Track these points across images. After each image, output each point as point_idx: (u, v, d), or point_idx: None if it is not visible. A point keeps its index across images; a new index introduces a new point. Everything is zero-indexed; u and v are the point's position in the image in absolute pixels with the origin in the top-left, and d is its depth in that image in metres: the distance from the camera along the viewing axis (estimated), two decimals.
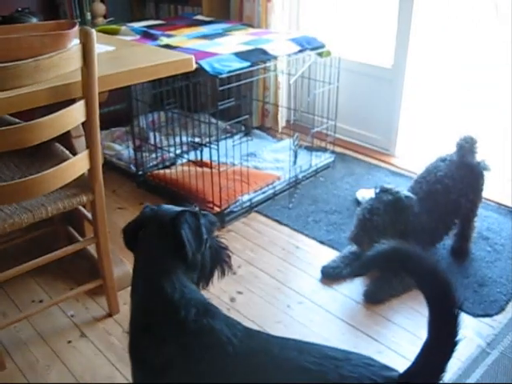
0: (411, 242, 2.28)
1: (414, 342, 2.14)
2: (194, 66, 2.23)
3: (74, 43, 1.77)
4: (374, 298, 2.35)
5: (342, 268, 2.49)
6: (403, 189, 2.47)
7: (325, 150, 3.55)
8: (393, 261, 1.18)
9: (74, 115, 1.76)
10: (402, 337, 2.17)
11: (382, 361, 2.01)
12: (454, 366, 2.02)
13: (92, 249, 2.33)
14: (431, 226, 2.43)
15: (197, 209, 1.46)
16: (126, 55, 2.20)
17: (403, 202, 2.32)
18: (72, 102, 1.80)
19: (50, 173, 1.78)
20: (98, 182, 1.97)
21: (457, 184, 2.46)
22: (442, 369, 1.11)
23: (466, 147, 2.49)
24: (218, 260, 1.53)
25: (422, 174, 2.54)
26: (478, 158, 2.53)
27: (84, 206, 2.27)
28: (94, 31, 1.69)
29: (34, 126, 1.64)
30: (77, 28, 1.97)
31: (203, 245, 1.41)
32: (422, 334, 2.05)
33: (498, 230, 2.82)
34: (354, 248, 2.55)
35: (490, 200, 3.09)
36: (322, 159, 3.47)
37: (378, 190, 2.39)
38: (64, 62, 1.64)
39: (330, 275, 2.49)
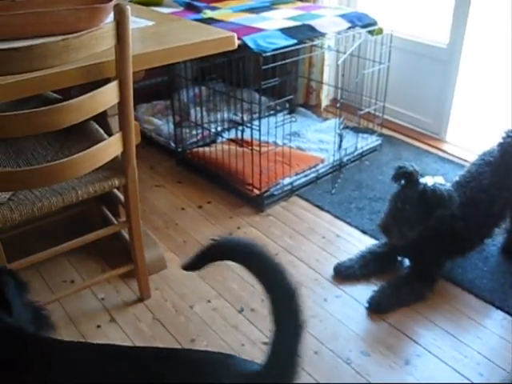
0: (439, 245, 2.20)
1: (455, 346, 2.03)
2: (237, 43, 2.11)
3: (111, 18, 1.68)
4: (378, 308, 2.20)
5: (356, 268, 2.35)
6: (449, 184, 2.32)
7: (372, 132, 3.40)
8: (224, 254, 1.10)
9: (106, 96, 1.67)
10: (442, 340, 2.06)
11: (417, 364, 1.94)
12: (499, 376, 1.91)
13: (125, 231, 2.26)
14: (464, 235, 2.26)
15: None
16: (165, 31, 2.09)
17: (443, 197, 2.12)
18: (108, 81, 1.71)
19: (81, 156, 1.71)
20: (131, 166, 1.89)
21: (503, 193, 2.28)
22: (291, 357, 1.03)
23: (510, 146, 2.30)
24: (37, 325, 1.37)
25: (466, 177, 2.34)
26: None
27: (118, 189, 2.19)
28: (129, 8, 1.59)
29: (62, 109, 1.56)
30: (114, 1, 1.88)
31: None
32: (464, 338, 1.97)
33: None
34: (374, 246, 2.44)
35: None
36: (368, 142, 3.33)
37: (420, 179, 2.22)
38: (95, 41, 1.55)
39: (342, 274, 2.36)
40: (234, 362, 1.12)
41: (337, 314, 2.17)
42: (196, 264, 1.13)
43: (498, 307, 2.20)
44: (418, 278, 2.26)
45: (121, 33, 1.59)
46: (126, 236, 2.21)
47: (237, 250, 1.08)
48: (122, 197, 2.13)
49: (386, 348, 2.02)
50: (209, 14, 3.06)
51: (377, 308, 2.19)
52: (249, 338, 2.05)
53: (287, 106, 3.69)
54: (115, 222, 2.33)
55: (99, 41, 1.55)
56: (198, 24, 2.26)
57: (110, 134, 1.97)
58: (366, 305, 2.21)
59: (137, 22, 2.15)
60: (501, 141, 2.32)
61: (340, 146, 3.02)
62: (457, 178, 2.37)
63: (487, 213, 2.28)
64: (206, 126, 3.28)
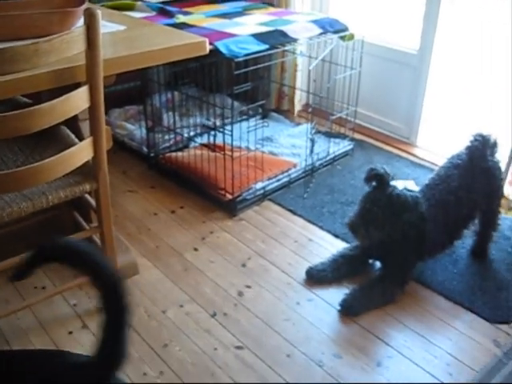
0: (409, 247, 2.23)
1: (425, 347, 2.06)
2: (208, 48, 2.11)
3: (82, 22, 1.67)
4: (350, 311, 2.21)
5: (328, 272, 2.37)
6: (417, 188, 2.36)
7: (344, 136, 3.43)
8: (54, 256, 1.14)
9: (77, 101, 1.66)
10: (413, 342, 2.08)
11: (388, 366, 1.96)
12: (468, 376, 1.94)
13: (97, 236, 2.24)
14: (434, 237, 2.29)
15: None
16: (137, 36, 2.09)
17: (409, 201, 2.16)
18: (78, 85, 1.70)
19: (52, 160, 1.69)
20: (102, 170, 1.88)
21: (471, 196, 2.33)
22: (117, 346, 1.05)
23: (477, 150, 2.35)
24: None
25: (435, 180, 2.38)
26: (493, 157, 2.39)
27: (89, 194, 2.18)
28: (99, 12, 1.58)
29: (33, 113, 1.54)
30: (85, 5, 1.87)
31: None
32: (434, 339, 1.99)
33: None
34: (346, 250, 2.46)
35: None
36: (340, 146, 3.36)
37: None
38: (66, 45, 1.54)
39: (314, 278, 2.37)
40: (64, 355, 1.18)
41: (309, 317, 2.18)
42: (26, 272, 1.15)
43: (467, 308, 2.24)
44: (388, 280, 2.28)
45: (91, 37, 1.59)
46: (98, 241, 2.19)
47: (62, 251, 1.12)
48: (93, 202, 2.11)
49: (358, 350, 2.04)
50: (181, 19, 3.06)
51: (348, 310, 2.21)
52: (221, 342, 2.06)
53: (260, 110, 3.70)
54: (87, 228, 2.31)
55: (70, 45, 1.55)
56: (170, 29, 2.26)
57: (81, 139, 1.96)
58: (338, 307, 2.22)
59: (108, 26, 2.14)
60: (469, 144, 2.36)
61: (312, 151, 3.04)
62: (426, 181, 2.41)
63: (456, 215, 2.32)
64: (178, 130, 3.28)
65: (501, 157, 2.42)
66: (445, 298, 2.29)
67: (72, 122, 2.05)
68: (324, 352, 2.03)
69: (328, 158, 3.26)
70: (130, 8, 3.12)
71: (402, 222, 2.17)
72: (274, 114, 3.82)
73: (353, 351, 2.03)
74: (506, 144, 2.59)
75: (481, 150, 2.33)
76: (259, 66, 2.82)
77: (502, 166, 2.43)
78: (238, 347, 2.03)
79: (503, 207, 2.66)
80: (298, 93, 3.79)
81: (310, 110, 2.95)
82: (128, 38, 2.06)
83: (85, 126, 2.08)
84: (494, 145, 2.37)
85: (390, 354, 2.03)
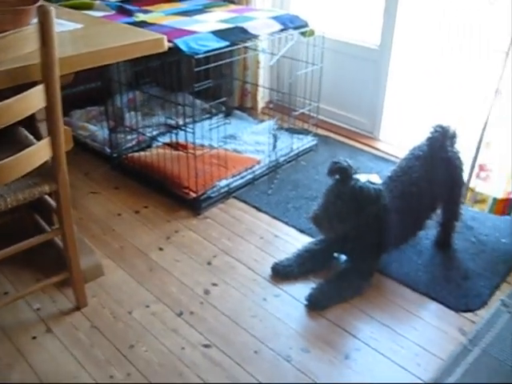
0: (373, 239, 2.25)
1: (392, 338, 2.07)
2: (167, 45, 2.09)
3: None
4: (317, 305, 2.21)
5: (294, 267, 2.37)
6: (380, 181, 2.37)
7: (307, 132, 3.44)
8: None
9: (32, 100, 1.63)
10: (380, 333, 2.09)
11: (356, 358, 1.96)
12: (435, 365, 1.95)
13: (59, 238, 2.21)
14: (398, 228, 2.30)
15: None
16: (94, 34, 2.06)
17: (371, 194, 2.16)
18: (35, 84, 1.67)
19: (9, 161, 1.66)
20: (61, 171, 1.85)
21: (433, 186, 2.35)
22: None
23: (437, 141, 2.37)
24: None
25: (397, 172, 2.39)
26: (453, 147, 2.42)
27: (50, 195, 2.14)
28: (53, 9, 1.55)
29: None
30: (39, 3, 1.84)
31: None
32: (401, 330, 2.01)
33: (482, 220, 2.74)
34: (311, 244, 2.46)
35: None
36: (304, 142, 3.36)
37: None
38: (21, 42, 1.51)
39: (280, 273, 2.37)
40: None
41: (276, 313, 2.18)
42: None
43: (432, 298, 2.26)
44: (354, 273, 2.29)
45: (45, 34, 1.56)
46: (61, 244, 2.16)
47: None
48: (54, 203, 2.08)
49: (326, 343, 2.04)
50: (141, 17, 3.03)
51: (315, 305, 2.21)
52: (189, 341, 2.04)
53: (223, 109, 3.69)
54: (48, 230, 2.28)
55: (23, 42, 1.52)
56: (128, 26, 2.24)
57: (39, 140, 1.92)
58: (305, 302, 2.22)
59: (64, 24, 2.10)
60: (429, 135, 2.39)
61: (275, 147, 3.05)
62: (389, 173, 2.42)
63: (418, 205, 2.34)
64: (141, 130, 3.25)
65: (460, 148, 2.45)
66: (410, 289, 2.31)
67: (30, 123, 2.02)
68: (292, 347, 2.02)
69: (292, 153, 3.27)
70: (89, 7, 3.08)
71: (365, 215, 2.18)
72: (238, 112, 3.81)
73: (320, 345, 2.04)
74: (464, 135, 2.60)
75: (441, 140, 2.36)
76: (220, 62, 2.81)
77: (463, 157, 2.45)
78: (206, 345, 2.02)
79: (469, 200, 2.69)
80: (260, 90, 3.78)
81: (271, 106, 2.95)
82: (85, 37, 2.04)
83: (43, 127, 2.04)
84: (454, 136, 2.40)
85: (357, 347, 2.03)
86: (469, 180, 2.67)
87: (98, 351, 1.99)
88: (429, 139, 2.39)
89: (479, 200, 2.67)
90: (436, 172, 2.35)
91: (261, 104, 3.84)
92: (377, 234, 2.25)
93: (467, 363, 1.96)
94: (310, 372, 1.92)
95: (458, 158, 2.41)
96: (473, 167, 2.65)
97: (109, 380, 1.88)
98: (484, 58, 3.11)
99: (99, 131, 3.41)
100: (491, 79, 2.70)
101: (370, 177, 2.64)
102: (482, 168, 2.62)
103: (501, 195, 2.62)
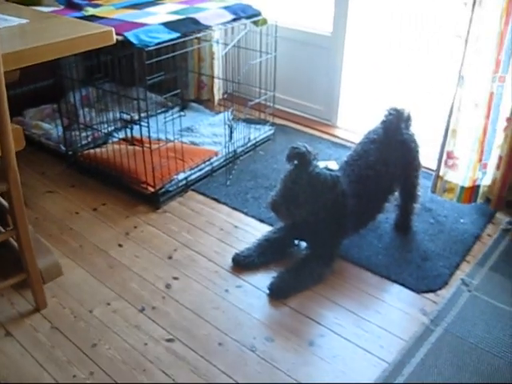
0: (333, 224, 2.25)
1: (356, 323, 2.08)
2: (115, 38, 2.06)
3: None
4: (279, 294, 2.22)
5: (255, 257, 2.36)
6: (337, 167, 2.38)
7: (264, 122, 3.43)
8: None
9: None
10: (344, 318, 2.11)
11: (320, 344, 1.97)
12: (398, 346, 1.97)
13: (15, 239, 2.16)
14: (357, 212, 2.31)
15: None
16: (40, 29, 2.02)
17: (329, 179, 2.16)
18: None
19: None
20: (12, 171, 1.80)
21: (389, 169, 2.37)
22: None
23: (392, 124, 2.39)
24: None
25: (353, 156, 2.41)
26: (408, 130, 2.45)
27: (2, 196, 2.10)
28: None
29: None
30: None
31: None
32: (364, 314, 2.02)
33: (441, 201, 2.77)
34: (270, 233, 2.46)
35: (432, 170, 3.04)
36: (261, 132, 3.36)
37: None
38: None
39: (241, 264, 2.37)
40: None
41: (239, 304, 2.17)
42: None
43: (393, 281, 2.28)
44: (315, 259, 2.29)
45: None
46: (16, 244, 2.11)
47: None
48: (6, 204, 2.04)
49: (290, 332, 2.04)
50: (90, 11, 2.97)
51: (277, 294, 2.21)
52: (151, 336, 2.02)
53: (179, 102, 3.66)
54: (2, 231, 2.23)
55: None
56: (75, 20, 2.20)
57: None
58: (267, 292, 2.22)
59: (9, 20, 2.05)
60: (383, 119, 2.40)
61: (231, 138, 3.03)
62: (345, 158, 2.43)
63: (376, 189, 2.35)
64: (96, 126, 3.20)
65: (415, 130, 2.47)
66: (372, 273, 2.33)
67: None
68: (256, 337, 2.02)
69: (249, 144, 3.26)
70: (37, 2, 3.03)
71: (323, 200, 2.18)
72: (194, 105, 3.78)
73: (285, 333, 2.04)
74: (418, 118, 2.61)
75: (395, 123, 2.37)
76: (171, 54, 2.76)
77: (418, 139, 2.47)
78: (169, 340, 2.00)
79: (439, 190, 2.70)
80: (216, 81, 3.76)
81: (225, 96, 2.93)
82: (30, 32, 1.99)
83: None
84: (408, 118, 2.42)
85: (321, 333, 2.04)
86: (438, 168, 2.68)
87: (60, 352, 1.95)
88: (383, 122, 2.40)
89: (448, 189, 2.68)
90: (391, 155, 2.37)
91: (218, 96, 3.82)
92: (336, 220, 2.26)
93: (430, 343, 1.98)
94: (274, 361, 1.92)
95: (414, 141, 2.43)
96: (441, 155, 2.65)
97: (71, 380, 1.85)
98: (442, 43, 3.15)
99: (53, 129, 3.35)
100: (453, 65, 2.72)
101: (329, 163, 2.65)
102: (449, 155, 2.62)
103: (467, 183, 2.63)
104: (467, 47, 2.40)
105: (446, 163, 2.65)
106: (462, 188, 2.65)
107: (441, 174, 2.68)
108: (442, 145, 2.63)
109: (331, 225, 2.26)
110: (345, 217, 2.27)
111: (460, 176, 2.64)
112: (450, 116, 2.55)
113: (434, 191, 2.73)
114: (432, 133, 3.01)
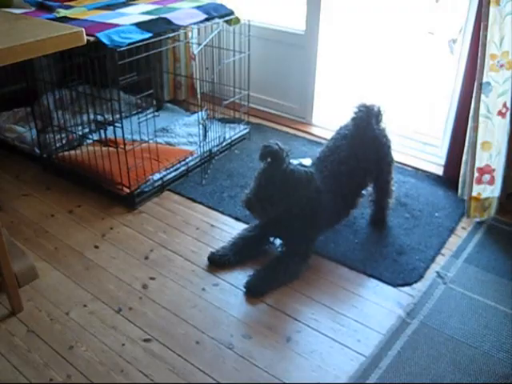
0: (307, 220, 2.27)
1: (332, 318, 2.10)
2: (86, 39, 2.04)
3: None
4: (256, 291, 2.23)
5: (230, 255, 2.37)
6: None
7: (239, 121, 3.43)
8: None
9: None
10: (321, 314, 2.12)
11: (297, 340, 1.98)
12: (375, 340, 1.99)
13: None
14: (331, 208, 2.33)
15: None
16: (6, 30, 1.99)
17: (302, 176, 2.17)
18: None
19: None
20: None
21: (361, 164, 2.38)
22: None
23: (362, 120, 2.40)
24: None
25: (326, 152, 2.42)
26: (378, 125, 2.46)
27: None
28: None
29: None
30: None
31: None
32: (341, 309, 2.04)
33: (415, 196, 2.80)
34: (245, 231, 2.47)
35: (407, 165, 3.08)
36: (236, 131, 3.36)
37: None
38: None
39: (217, 263, 2.37)
40: None
41: (216, 302, 2.17)
42: None
43: (369, 275, 2.30)
44: (291, 256, 2.30)
45: None
46: None
47: None
48: None
49: (267, 328, 2.05)
50: (62, 12, 2.95)
51: (254, 291, 2.21)
52: (129, 336, 2.01)
53: (154, 103, 3.65)
54: None
55: None
56: (46, 21, 2.17)
57: None
58: (244, 289, 2.23)
59: None
60: (353, 115, 2.41)
61: (205, 137, 3.03)
62: (317, 155, 2.44)
63: (349, 184, 2.37)
64: (71, 129, 3.18)
65: (386, 125, 2.49)
66: (348, 268, 2.34)
67: None
68: (233, 334, 2.03)
69: (225, 143, 3.26)
70: (8, 4, 3.00)
71: (297, 197, 2.19)
72: (169, 105, 3.78)
73: (262, 330, 2.04)
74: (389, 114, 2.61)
75: (366, 119, 2.39)
76: (144, 54, 2.75)
77: (389, 134, 2.49)
78: (146, 340, 2.00)
79: (477, 210, 2.61)
80: (197, 82, 3.75)
81: (198, 95, 2.93)
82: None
83: None
84: (378, 114, 2.44)
85: (298, 329, 2.05)
86: (470, 191, 2.58)
87: (36, 355, 1.94)
88: (353, 119, 2.41)
89: (488, 206, 2.60)
90: (363, 150, 2.38)
91: (199, 95, 3.81)
92: (310, 216, 2.27)
93: (406, 335, 2.01)
94: (252, 358, 1.93)
95: (385, 136, 2.45)
96: (472, 175, 2.55)
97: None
98: (413, 39, 3.18)
99: (27, 132, 3.32)
100: (425, 61, 2.74)
101: (304, 161, 2.66)
102: (484, 171, 2.53)
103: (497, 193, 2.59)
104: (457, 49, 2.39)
105: (479, 181, 2.55)
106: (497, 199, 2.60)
107: (474, 194, 2.57)
108: (467, 164, 2.58)
109: (306, 221, 2.28)
110: (319, 213, 2.28)
111: (497, 188, 2.58)
112: (475, 130, 2.48)
113: (469, 215, 2.61)
114: (405, 127, 3.03)
